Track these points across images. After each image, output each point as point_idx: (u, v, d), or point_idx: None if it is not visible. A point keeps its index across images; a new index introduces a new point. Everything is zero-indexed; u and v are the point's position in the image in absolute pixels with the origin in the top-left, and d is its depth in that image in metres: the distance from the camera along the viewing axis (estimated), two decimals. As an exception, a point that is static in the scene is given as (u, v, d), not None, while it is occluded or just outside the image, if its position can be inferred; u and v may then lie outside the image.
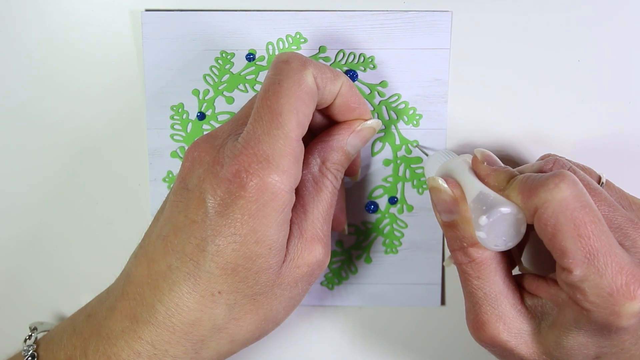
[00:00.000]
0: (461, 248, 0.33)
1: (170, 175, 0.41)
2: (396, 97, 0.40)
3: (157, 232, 0.33)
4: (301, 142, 0.32)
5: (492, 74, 0.40)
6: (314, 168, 0.35)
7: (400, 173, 0.41)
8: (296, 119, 0.32)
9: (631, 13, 0.39)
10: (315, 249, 0.34)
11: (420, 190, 0.41)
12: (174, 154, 0.41)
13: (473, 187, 0.33)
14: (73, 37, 0.40)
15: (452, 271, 0.42)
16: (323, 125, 0.37)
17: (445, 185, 0.33)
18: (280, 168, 0.31)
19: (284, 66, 0.33)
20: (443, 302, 0.42)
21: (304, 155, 0.34)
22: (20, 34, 0.40)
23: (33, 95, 0.41)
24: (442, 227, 0.35)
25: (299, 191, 0.34)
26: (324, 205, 0.35)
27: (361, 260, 0.42)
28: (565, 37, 0.39)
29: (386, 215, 0.42)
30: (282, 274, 0.33)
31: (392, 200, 0.41)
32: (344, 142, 0.36)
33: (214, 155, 0.32)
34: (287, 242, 0.33)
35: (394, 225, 0.42)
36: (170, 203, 0.34)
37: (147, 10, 0.40)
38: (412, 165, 0.41)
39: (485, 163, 0.34)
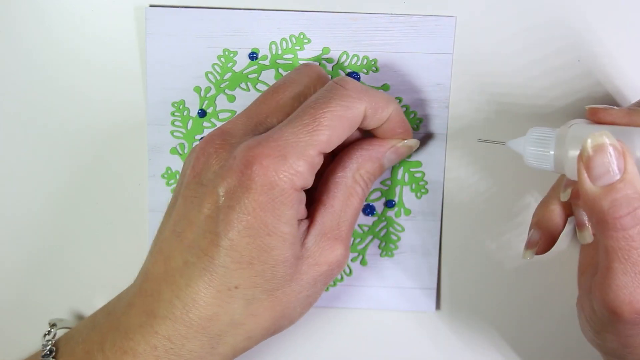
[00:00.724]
0: (631, 212, 0.29)
1: (169, 172, 0.41)
2: (397, 101, 0.40)
3: (171, 228, 0.34)
4: (322, 156, 0.33)
5: (494, 80, 0.40)
6: (349, 173, 0.36)
7: (399, 176, 0.41)
8: (328, 136, 0.32)
9: (631, 12, 0.39)
10: (337, 249, 0.34)
11: (418, 194, 0.41)
12: (173, 151, 0.41)
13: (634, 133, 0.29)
14: (76, 31, 0.40)
15: (448, 276, 0.42)
16: (357, 137, 0.38)
17: (614, 139, 0.30)
18: (293, 168, 0.32)
19: (341, 90, 0.34)
20: (438, 307, 0.42)
21: (342, 158, 0.36)
22: (21, 31, 0.40)
23: (33, 91, 0.41)
24: (593, 201, 0.30)
25: (330, 192, 0.35)
26: (352, 209, 0.35)
27: (357, 263, 0.42)
28: (568, 43, 0.39)
29: (383, 218, 0.42)
30: (302, 271, 0.34)
31: (390, 204, 0.41)
32: (382, 155, 0.37)
33: (230, 151, 0.33)
34: (309, 238, 0.34)
35: (391, 229, 0.42)
36: (183, 198, 0.34)
37: (151, 5, 0.40)
38: (411, 169, 0.41)
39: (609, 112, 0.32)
